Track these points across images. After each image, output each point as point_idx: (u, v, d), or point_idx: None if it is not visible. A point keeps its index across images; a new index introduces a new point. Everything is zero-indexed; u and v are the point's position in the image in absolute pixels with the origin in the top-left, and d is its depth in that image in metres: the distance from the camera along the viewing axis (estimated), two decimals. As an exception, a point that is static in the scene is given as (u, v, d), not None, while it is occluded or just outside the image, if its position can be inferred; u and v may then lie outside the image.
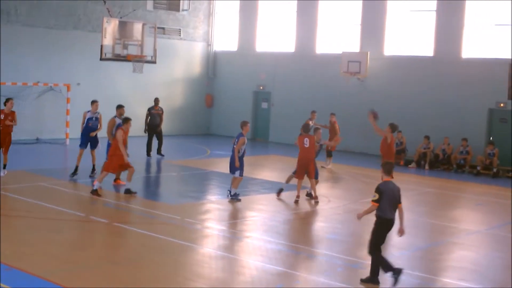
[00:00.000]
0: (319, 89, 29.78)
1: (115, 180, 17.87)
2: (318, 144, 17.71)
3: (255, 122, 32.16)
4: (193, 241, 12.71)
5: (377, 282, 10.39)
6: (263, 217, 15.34)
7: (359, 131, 27.75)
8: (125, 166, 16.64)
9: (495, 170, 23.70)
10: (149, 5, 30.93)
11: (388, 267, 10.41)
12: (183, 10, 32.40)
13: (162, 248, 12.10)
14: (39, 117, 27.08)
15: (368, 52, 27.85)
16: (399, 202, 10.47)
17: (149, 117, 24.11)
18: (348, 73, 27.92)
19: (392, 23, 27.95)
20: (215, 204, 16.55)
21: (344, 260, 11.89)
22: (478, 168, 24.04)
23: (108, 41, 22.22)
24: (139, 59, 22.88)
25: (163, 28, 31.31)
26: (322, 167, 21.02)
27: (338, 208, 16.80)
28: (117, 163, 16.53)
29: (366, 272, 10.64)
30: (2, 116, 18.07)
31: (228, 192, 16.85)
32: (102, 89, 28.77)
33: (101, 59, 22.79)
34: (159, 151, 24.10)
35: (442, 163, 25.06)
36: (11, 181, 17.42)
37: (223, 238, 13.30)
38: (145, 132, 24.01)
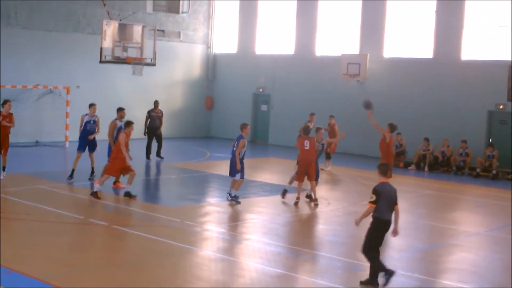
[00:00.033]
0: (319, 92, 29.80)
1: (114, 183, 17.88)
2: (319, 144, 17.75)
3: (254, 124, 32.17)
4: (193, 244, 12.72)
5: (376, 284, 10.39)
6: (262, 220, 15.35)
7: (358, 133, 27.74)
8: (127, 170, 16.63)
9: (494, 172, 23.70)
10: (149, 7, 30.96)
11: (380, 267, 10.44)
12: (182, 12, 32.44)
13: (162, 250, 12.10)
14: (39, 120, 27.11)
15: (368, 54, 27.88)
16: (396, 203, 10.50)
17: (149, 120, 24.11)
18: (347, 75, 27.95)
19: (391, 25, 27.98)
20: (214, 207, 16.56)
21: (343, 262, 11.89)
22: (478, 170, 24.04)
23: (107, 43, 22.24)
24: (138, 62, 22.90)
25: (162, 31, 31.33)
26: (321, 169, 20.99)
27: (337, 210, 16.81)
28: (119, 166, 16.53)
29: (365, 274, 10.64)
30: (0, 118, 18.06)
31: (228, 194, 16.87)
32: (101, 92, 28.81)
33: (100, 61, 22.82)
34: (158, 154, 24.09)
35: (441, 165, 25.07)
36: (10, 184, 17.42)
37: (222, 240, 13.30)
38: (144, 134, 24.01)
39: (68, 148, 25.86)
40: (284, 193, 17.39)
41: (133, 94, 29.71)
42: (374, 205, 10.28)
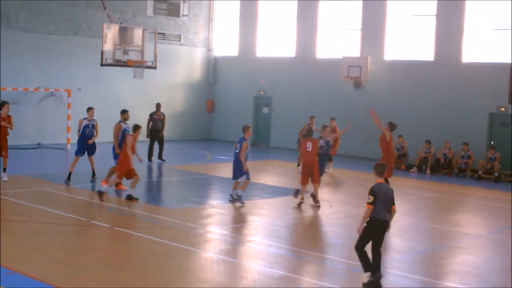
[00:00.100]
0: (320, 94, 29.81)
1: (116, 185, 17.87)
2: (324, 141, 17.88)
3: (256, 127, 32.16)
4: (195, 246, 12.71)
5: (379, 276, 10.39)
6: (264, 222, 15.35)
7: (359, 135, 27.76)
8: (131, 174, 16.64)
9: (496, 174, 23.69)
10: (149, 10, 30.98)
11: (368, 267, 10.48)
12: (183, 15, 32.46)
13: (164, 252, 12.09)
14: (40, 122, 27.15)
15: (369, 57, 27.89)
16: (393, 204, 10.52)
17: (151, 122, 24.15)
18: (348, 77, 27.96)
19: (392, 27, 27.99)
20: (216, 209, 16.56)
21: (346, 264, 11.88)
22: (480, 172, 24.02)
23: (108, 46, 22.27)
24: (139, 65, 22.92)
25: (163, 34, 31.36)
26: (325, 171, 21.00)
27: (339, 212, 16.81)
28: (126, 169, 16.55)
29: (367, 276, 10.64)
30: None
31: (230, 196, 16.91)
32: (102, 95, 28.87)
33: (101, 64, 22.85)
34: (160, 156, 24.11)
35: (443, 167, 25.06)
36: (12, 186, 17.45)
37: (225, 242, 13.30)
38: (147, 137, 24.03)
39: (70, 150, 25.84)
40: (296, 193, 17.40)
41: (134, 97, 29.72)
42: (372, 206, 10.32)
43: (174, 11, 32.07)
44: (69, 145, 26.57)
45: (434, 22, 26.76)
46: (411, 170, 25.30)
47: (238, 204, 16.63)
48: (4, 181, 17.88)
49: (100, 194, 16.11)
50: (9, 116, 18.34)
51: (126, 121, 18.11)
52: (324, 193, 18.55)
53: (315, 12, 30.23)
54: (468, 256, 13.22)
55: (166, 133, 25.17)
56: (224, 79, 33.75)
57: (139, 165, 17.25)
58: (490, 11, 25.48)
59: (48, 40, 27.71)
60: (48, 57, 27.76)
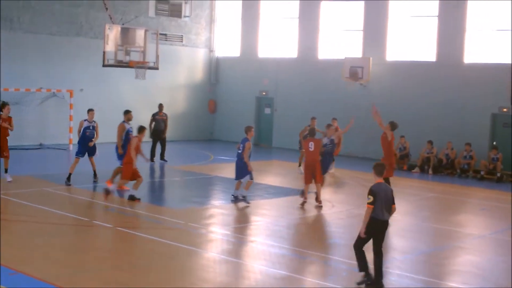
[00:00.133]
0: (322, 94, 29.81)
1: (118, 185, 17.88)
2: (329, 139, 17.93)
3: (258, 127, 32.17)
4: (198, 246, 12.72)
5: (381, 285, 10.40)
6: (266, 222, 15.35)
7: (361, 136, 27.76)
8: (135, 175, 16.65)
9: (499, 175, 23.67)
10: (151, 11, 30.94)
11: (363, 267, 10.47)
12: (185, 16, 32.42)
13: (167, 252, 12.10)
14: (43, 123, 27.18)
15: (371, 58, 27.88)
16: (393, 203, 10.52)
17: (154, 123, 24.18)
18: (350, 78, 27.94)
19: (394, 28, 27.98)
20: (219, 209, 16.57)
21: (348, 264, 11.86)
22: (482, 173, 24.00)
23: (110, 47, 22.30)
24: (141, 65, 22.93)
25: (165, 35, 31.38)
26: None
27: (341, 213, 16.80)
28: (132, 170, 16.57)
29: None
30: (0, 121, 18.07)
31: (233, 196, 16.93)
32: (104, 95, 28.90)
33: (103, 65, 22.87)
34: (162, 157, 24.13)
35: (445, 168, 25.04)
36: (15, 186, 17.47)
37: (227, 242, 13.31)
38: (150, 137, 24.04)
39: (72, 151, 25.84)
40: (302, 193, 17.40)
41: (136, 98, 29.73)
42: (372, 206, 10.32)
43: (176, 12, 32.04)
44: (71, 146, 26.59)
45: (436, 23, 26.75)
46: (413, 171, 25.28)
47: (243, 204, 16.64)
48: (9, 181, 17.91)
49: (107, 192, 16.12)
50: (9, 118, 18.35)
51: (130, 121, 18.14)
52: (326, 193, 18.53)
53: (317, 12, 30.24)
54: (470, 257, 13.21)
55: (168, 133, 25.18)
56: (226, 79, 33.77)
57: (141, 166, 17.25)
58: (492, 11, 25.46)
59: (50, 41, 27.74)
60: (51, 58, 27.79)
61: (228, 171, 20.81)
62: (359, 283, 10.49)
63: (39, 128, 27.01)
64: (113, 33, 22.27)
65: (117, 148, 17.98)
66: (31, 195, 16.66)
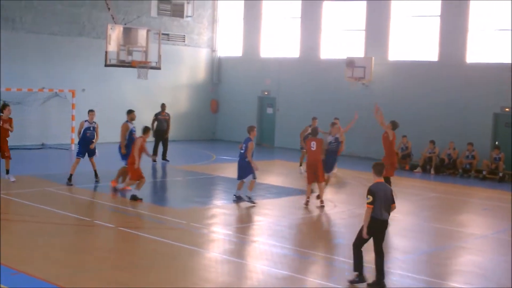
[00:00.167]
0: (324, 94, 29.80)
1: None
2: (333, 137, 17.94)
3: (260, 127, 32.17)
4: (200, 246, 12.73)
5: (383, 284, 10.40)
6: (269, 222, 15.35)
7: (363, 136, 27.75)
8: (139, 176, 16.67)
9: (501, 174, 23.65)
10: (153, 11, 30.94)
11: (358, 267, 10.49)
12: (187, 16, 32.40)
13: (169, 252, 12.11)
14: (45, 122, 27.22)
15: (373, 57, 27.86)
16: (393, 203, 10.53)
17: (156, 123, 24.19)
18: (352, 78, 27.93)
19: (396, 28, 27.97)
20: (221, 209, 16.58)
21: (350, 264, 11.80)
22: (484, 172, 23.99)
23: (112, 47, 22.28)
24: (143, 65, 22.91)
25: (167, 34, 31.39)
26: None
27: (343, 212, 16.80)
28: (138, 170, 16.60)
29: (372, 277, 10.63)
30: (1, 122, 18.09)
31: (235, 196, 16.94)
32: (107, 95, 28.93)
33: (106, 65, 22.83)
34: (164, 157, 24.14)
35: (447, 167, 25.03)
36: (17, 186, 17.49)
37: (229, 242, 13.31)
38: (153, 136, 24.06)
39: (74, 151, 25.86)
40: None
41: (138, 98, 29.75)
42: (372, 206, 10.33)
43: (178, 12, 32.04)
44: (73, 146, 26.61)
45: (438, 23, 26.73)
46: (415, 170, 25.27)
47: (247, 204, 16.64)
48: (12, 181, 17.93)
49: (113, 190, 16.21)
50: (10, 119, 18.35)
51: (133, 121, 18.16)
52: (328, 193, 18.54)
53: (319, 12, 30.23)
54: (472, 257, 13.20)
55: (171, 133, 25.20)
56: (228, 79, 33.78)
57: (143, 166, 17.26)
58: (494, 11, 25.42)
59: (52, 41, 27.76)
60: (53, 58, 27.82)
61: (230, 171, 20.83)
62: (351, 282, 10.52)
63: (41, 128, 27.05)
64: (115, 33, 22.26)
65: (119, 147, 17.99)
66: (33, 195, 16.68)
